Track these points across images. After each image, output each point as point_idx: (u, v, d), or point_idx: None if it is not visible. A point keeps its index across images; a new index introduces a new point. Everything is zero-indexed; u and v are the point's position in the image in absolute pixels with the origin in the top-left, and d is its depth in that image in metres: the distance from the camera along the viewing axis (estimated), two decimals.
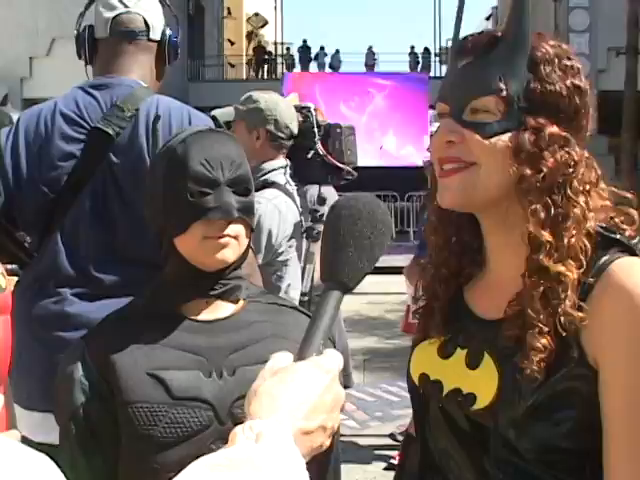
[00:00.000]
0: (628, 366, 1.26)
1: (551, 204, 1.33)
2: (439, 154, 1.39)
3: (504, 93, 1.34)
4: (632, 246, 1.34)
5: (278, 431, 0.96)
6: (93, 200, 2.42)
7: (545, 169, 1.33)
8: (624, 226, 1.37)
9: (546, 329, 1.29)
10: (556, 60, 1.38)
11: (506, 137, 1.34)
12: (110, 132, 2.41)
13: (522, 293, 1.34)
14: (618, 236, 1.35)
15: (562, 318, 1.29)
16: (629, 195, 1.40)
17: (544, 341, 1.29)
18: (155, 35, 2.63)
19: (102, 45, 2.63)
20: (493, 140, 1.34)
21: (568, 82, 1.37)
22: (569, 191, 1.34)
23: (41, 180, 2.43)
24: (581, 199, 1.34)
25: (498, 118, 1.35)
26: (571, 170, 1.34)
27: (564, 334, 1.29)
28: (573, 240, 1.32)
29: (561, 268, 1.30)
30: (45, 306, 2.40)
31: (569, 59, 1.39)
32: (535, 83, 1.36)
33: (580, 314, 1.28)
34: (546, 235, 1.32)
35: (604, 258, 1.32)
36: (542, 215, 1.33)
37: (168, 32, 2.66)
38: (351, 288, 1.15)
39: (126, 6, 2.60)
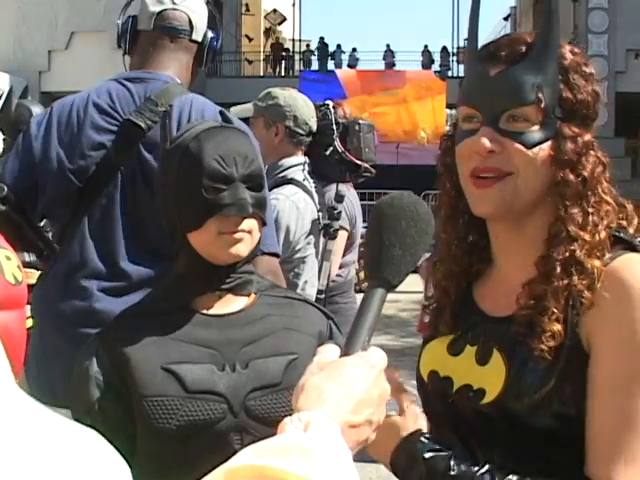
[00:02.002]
0: (616, 353, 1.31)
1: (586, 206, 1.38)
2: (476, 163, 1.40)
3: (543, 104, 1.37)
4: (635, 244, 1.40)
5: (326, 421, 0.97)
6: (122, 192, 2.41)
7: (586, 174, 1.38)
8: (624, 223, 1.43)
9: (561, 315, 1.34)
10: (578, 67, 1.42)
11: (546, 146, 1.38)
12: (142, 125, 2.41)
13: (534, 282, 1.39)
14: (622, 234, 1.41)
15: (575, 303, 1.34)
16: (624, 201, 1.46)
17: (557, 327, 1.33)
18: (197, 36, 2.62)
19: (143, 37, 2.61)
20: (535, 150, 1.38)
21: (590, 89, 1.42)
22: (601, 191, 1.39)
23: (70, 168, 2.42)
24: (609, 197, 1.40)
25: (537, 127, 1.38)
26: (601, 170, 1.40)
27: (571, 318, 1.34)
28: (603, 235, 1.38)
29: (596, 262, 1.35)
30: (72, 301, 2.39)
31: (586, 65, 1.44)
32: (567, 92, 1.40)
33: (590, 295, 1.34)
34: (584, 235, 1.36)
35: (609, 255, 1.38)
36: (580, 217, 1.37)
37: (210, 35, 2.65)
38: (395, 286, 1.18)
39: (174, 2, 2.59)
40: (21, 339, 1.10)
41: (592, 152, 1.40)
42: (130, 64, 2.65)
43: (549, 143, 1.38)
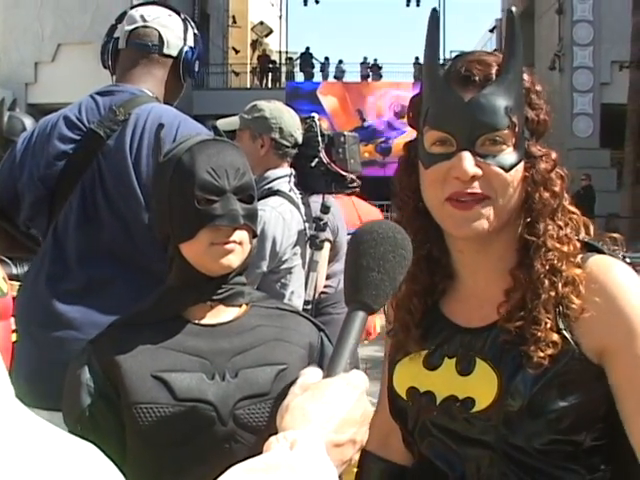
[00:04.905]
0: (631, 345, 1.35)
1: (558, 219, 1.43)
2: (456, 188, 1.41)
3: (517, 128, 1.40)
4: (599, 247, 1.45)
5: (311, 440, 0.98)
6: (82, 198, 2.50)
7: (556, 189, 1.42)
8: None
9: (554, 325, 1.37)
10: (534, 87, 1.46)
11: (520, 167, 1.41)
12: (101, 133, 2.50)
13: (513, 290, 1.42)
14: (587, 238, 1.47)
15: (563, 311, 1.38)
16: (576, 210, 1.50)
17: (555, 337, 1.36)
18: (170, 51, 2.71)
19: (121, 56, 2.73)
20: (512, 172, 1.40)
21: (545, 108, 1.46)
22: (566, 203, 1.45)
23: (38, 176, 2.53)
24: (573, 208, 1.46)
25: (511, 149, 1.41)
26: (563, 184, 1.45)
27: (562, 327, 1.37)
28: (577, 244, 1.43)
29: (577, 271, 1.39)
30: (36, 305, 2.46)
31: (537, 84, 1.48)
32: (531, 113, 1.44)
33: (579, 302, 1.37)
34: (561, 247, 1.40)
35: (579, 256, 1.42)
36: (555, 231, 1.41)
37: (185, 49, 2.74)
38: (375, 309, 1.18)
39: (145, 20, 2.71)
40: (6, 351, 1.10)
41: (557, 167, 1.45)
42: (114, 81, 2.75)
43: (523, 164, 1.42)
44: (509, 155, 1.40)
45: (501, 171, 1.39)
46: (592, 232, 1.49)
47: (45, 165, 2.52)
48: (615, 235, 1.50)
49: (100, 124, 2.51)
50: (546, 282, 1.39)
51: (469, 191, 1.39)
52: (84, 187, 2.49)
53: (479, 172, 1.39)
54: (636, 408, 1.35)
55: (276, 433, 1.01)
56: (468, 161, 1.38)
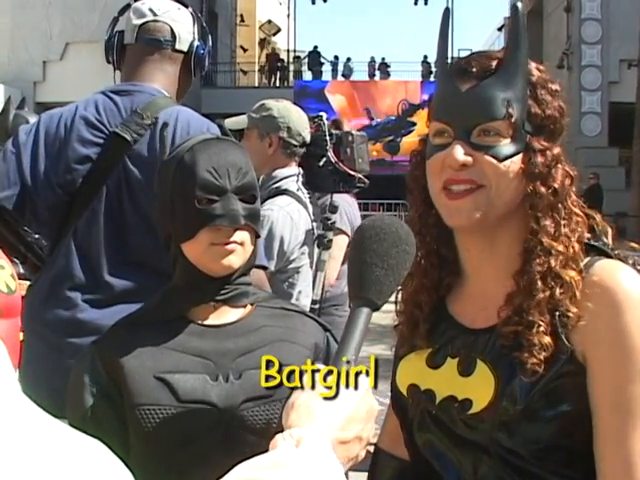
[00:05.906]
0: (613, 359, 1.33)
1: (558, 217, 1.41)
2: (448, 175, 1.43)
3: (513, 119, 1.40)
4: (608, 251, 1.44)
5: (317, 438, 0.99)
6: (107, 204, 2.43)
7: (556, 185, 1.41)
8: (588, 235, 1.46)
9: (548, 328, 1.36)
10: (545, 84, 1.46)
11: (517, 159, 1.41)
12: (128, 138, 2.42)
13: (514, 296, 1.41)
14: (593, 242, 1.46)
15: (561, 317, 1.36)
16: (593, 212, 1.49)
17: (547, 339, 1.35)
18: (181, 46, 2.64)
19: (129, 51, 2.64)
20: (506, 163, 1.40)
21: (556, 104, 1.46)
22: (570, 204, 1.43)
23: (57, 181, 2.45)
24: (578, 210, 1.44)
25: (507, 141, 1.41)
26: (569, 183, 1.44)
27: (559, 332, 1.36)
28: (577, 248, 1.41)
29: (572, 273, 1.38)
30: (56, 311, 2.42)
31: (552, 82, 1.48)
32: (535, 108, 1.43)
33: (576, 310, 1.35)
34: (557, 245, 1.39)
35: (586, 260, 1.41)
36: (552, 228, 1.40)
37: (196, 44, 2.66)
38: (380, 305, 1.19)
39: (155, 14, 2.62)
40: (14, 349, 1.10)
41: (560, 165, 1.43)
42: (120, 78, 2.67)
43: (520, 156, 1.41)
44: (505, 147, 1.41)
45: (493, 160, 1.40)
46: (610, 237, 1.47)
47: (65, 169, 2.44)
48: (634, 245, 1.49)
49: (125, 128, 2.43)
50: (539, 283, 1.38)
51: (460, 178, 1.41)
52: (109, 191, 2.42)
53: (469, 160, 1.40)
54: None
55: (282, 431, 1.01)
56: (458, 149, 1.40)
